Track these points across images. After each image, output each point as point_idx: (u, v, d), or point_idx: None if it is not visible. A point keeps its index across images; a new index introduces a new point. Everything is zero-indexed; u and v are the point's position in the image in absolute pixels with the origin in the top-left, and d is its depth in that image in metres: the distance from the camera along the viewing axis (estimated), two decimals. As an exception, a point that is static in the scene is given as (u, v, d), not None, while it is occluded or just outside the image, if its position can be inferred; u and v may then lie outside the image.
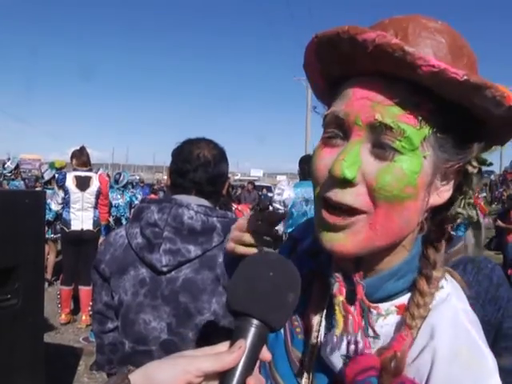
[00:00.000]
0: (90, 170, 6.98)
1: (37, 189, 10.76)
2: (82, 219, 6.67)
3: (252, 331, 0.69)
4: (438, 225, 0.87)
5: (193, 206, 1.88)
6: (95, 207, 6.84)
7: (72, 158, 6.86)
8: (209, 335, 1.80)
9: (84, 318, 6.75)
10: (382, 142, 0.74)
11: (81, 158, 6.82)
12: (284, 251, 1.08)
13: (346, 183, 0.74)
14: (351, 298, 0.84)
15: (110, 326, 1.98)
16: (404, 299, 0.84)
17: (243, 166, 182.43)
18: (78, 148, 6.94)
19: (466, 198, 0.85)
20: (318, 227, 0.80)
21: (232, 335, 0.70)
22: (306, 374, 0.89)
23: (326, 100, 0.89)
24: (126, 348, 1.90)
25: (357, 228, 0.76)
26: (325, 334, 0.89)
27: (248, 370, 0.68)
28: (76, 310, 7.19)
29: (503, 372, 1.03)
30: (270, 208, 7.83)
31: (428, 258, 0.85)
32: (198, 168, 1.95)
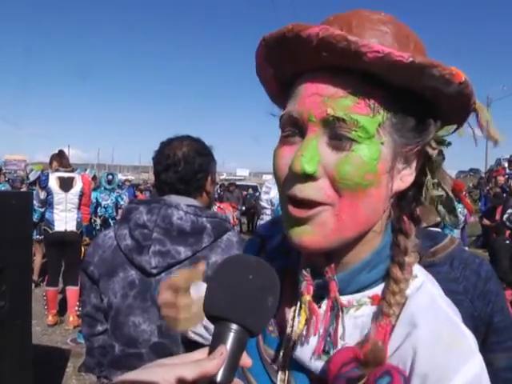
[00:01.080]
0: (72, 171, 6.94)
1: (22, 189, 10.65)
2: (65, 220, 6.65)
3: (231, 336, 0.67)
4: (407, 210, 0.88)
5: (182, 207, 1.87)
6: (78, 208, 6.82)
7: (52, 161, 6.84)
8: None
9: (71, 319, 6.70)
10: (337, 134, 0.74)
11: (63, 159, 6.82)
12: (251, 249, 1.07)
13: (308, 178, 0.75)
14: (322, 295, 0.84)
15: (100, 328, 1.97)
16: (377, 290, 0.84)
17: (229, 166, 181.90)
18: (56, 152, 6.94)
19: (432, 179, 0.86)
20: (286, 224, 0.81)
21: (211, 341, 0.68)
22: (281, 373, 0.88)
23: (282, 102, 0.89)
24: (116, 351, 1.89)
25: (322, 219, 0.76)
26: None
27: (228, 377, 0.66)
28: (63, 312, 7.14)
29: (496, 368, 1.04)
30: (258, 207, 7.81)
31: (399, 245, 0.85)
32: (168, 168, 1.96)
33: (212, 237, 1.86)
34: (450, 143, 0.86)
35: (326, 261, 0.83)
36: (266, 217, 6.47)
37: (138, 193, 17.74)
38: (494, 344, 1.05)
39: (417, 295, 0.81)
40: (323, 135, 0.76)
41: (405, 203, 0.87)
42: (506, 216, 7.02)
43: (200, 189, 2.02)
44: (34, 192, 7.46)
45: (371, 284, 0.84)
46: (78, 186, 6.77)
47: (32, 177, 9.17)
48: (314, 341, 0.83)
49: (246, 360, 0.70)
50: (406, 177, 0.82)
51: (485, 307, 1.02)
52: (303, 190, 0.76)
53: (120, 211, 9.29)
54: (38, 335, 6.11)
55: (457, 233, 6.79)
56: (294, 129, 0.79)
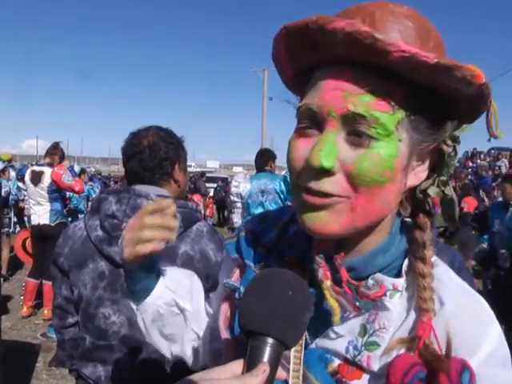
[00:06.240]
0: (50, 165, 6.72)
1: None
2: (38, 213, 6.58)
3: (269, 351, 0.67)
4: (418, 204, 0.89)
5: (152, 196, 1.86)
6: (51, 201, 6.65)
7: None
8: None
9: (46, 312, 6.63)
10: (357, 130, 0.75)
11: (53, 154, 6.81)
12: (246, 245, 1.02)
13: (325, 172, 0.75)
14: (339, 282, 0.84)
15: (71, 320, 1.96)
16: (398, 281, 0.83)
17: (199, 158, 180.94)
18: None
19: (440, 176, 0.87)
20: (300, 211, 0.81)
21: (247, 354, 0.68)
22: (293, 380, 0.86)
23: (298, 89, 0.89)
24: (86, 343, 1.88)
25: (338, 208, 0.77)
26: (311, 333, 0.87)
27: None
28: (35, 305, 7.05)
29: None
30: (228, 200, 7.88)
31: (417, 240, 0.86)
32: (134, 156, 1.96)
33: (182, 227, 1.85)
34: (459, 141, 0.87)
35: (336, 249, 0.84)
36: (237, 210, 6.59)
37: (111, 183, 17.48)
38: None
39: (438, 276, 0.84)
40: (342, 131, 0.76)
41: (417, 197, 0.88)
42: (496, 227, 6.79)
43: (166, 176, 1.99)
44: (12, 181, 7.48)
45: (386, 267, 0.85)
46: (46, 181, 6.55)
47: (-1, 166, 8.98)
48: (344, 344, 0.83)
49: (280, 373, 0.70)
50: (419, 173, 0.84)
51: None
52: (319, 184, 0.76)
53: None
54: (6, 330, 6.02)
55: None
56: (311, 121, 0.79)
